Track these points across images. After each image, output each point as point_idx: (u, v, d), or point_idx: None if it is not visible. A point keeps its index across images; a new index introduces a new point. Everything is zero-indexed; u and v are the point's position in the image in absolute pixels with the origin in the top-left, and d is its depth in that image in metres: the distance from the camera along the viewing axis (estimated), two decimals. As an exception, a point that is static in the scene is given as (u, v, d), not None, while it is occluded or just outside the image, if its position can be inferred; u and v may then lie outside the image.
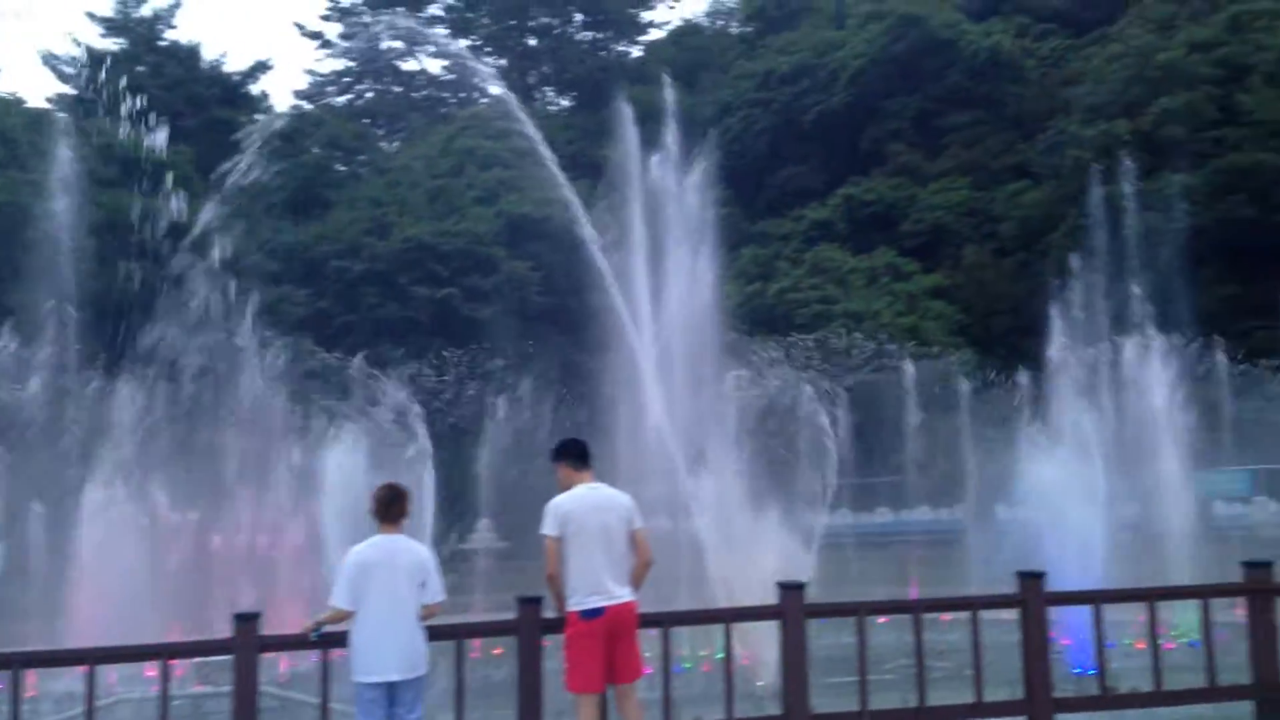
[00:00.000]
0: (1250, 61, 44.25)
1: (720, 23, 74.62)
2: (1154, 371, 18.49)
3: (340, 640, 7.60)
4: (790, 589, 8.57)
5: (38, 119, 47.65)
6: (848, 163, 53.15)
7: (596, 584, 7.72)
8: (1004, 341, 39.22)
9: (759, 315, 41.40)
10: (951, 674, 9.63)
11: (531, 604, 8.20)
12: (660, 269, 19.28)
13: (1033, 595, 8.70)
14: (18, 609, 16.22)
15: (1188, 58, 45.12)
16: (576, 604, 7.74)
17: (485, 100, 59.82)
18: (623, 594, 7.78)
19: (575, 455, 8.14)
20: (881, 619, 10.70)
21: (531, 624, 8.13)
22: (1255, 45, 44.64)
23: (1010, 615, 8.79)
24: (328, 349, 34.94)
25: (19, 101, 51.72)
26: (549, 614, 8.08)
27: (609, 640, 7.72)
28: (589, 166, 42.13)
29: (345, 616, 7.57)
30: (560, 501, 7.91)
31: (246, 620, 7.61)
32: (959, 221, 48.67)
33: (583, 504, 7.87)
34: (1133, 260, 22.98)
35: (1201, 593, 9.31)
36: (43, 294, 29.71)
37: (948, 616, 10.55)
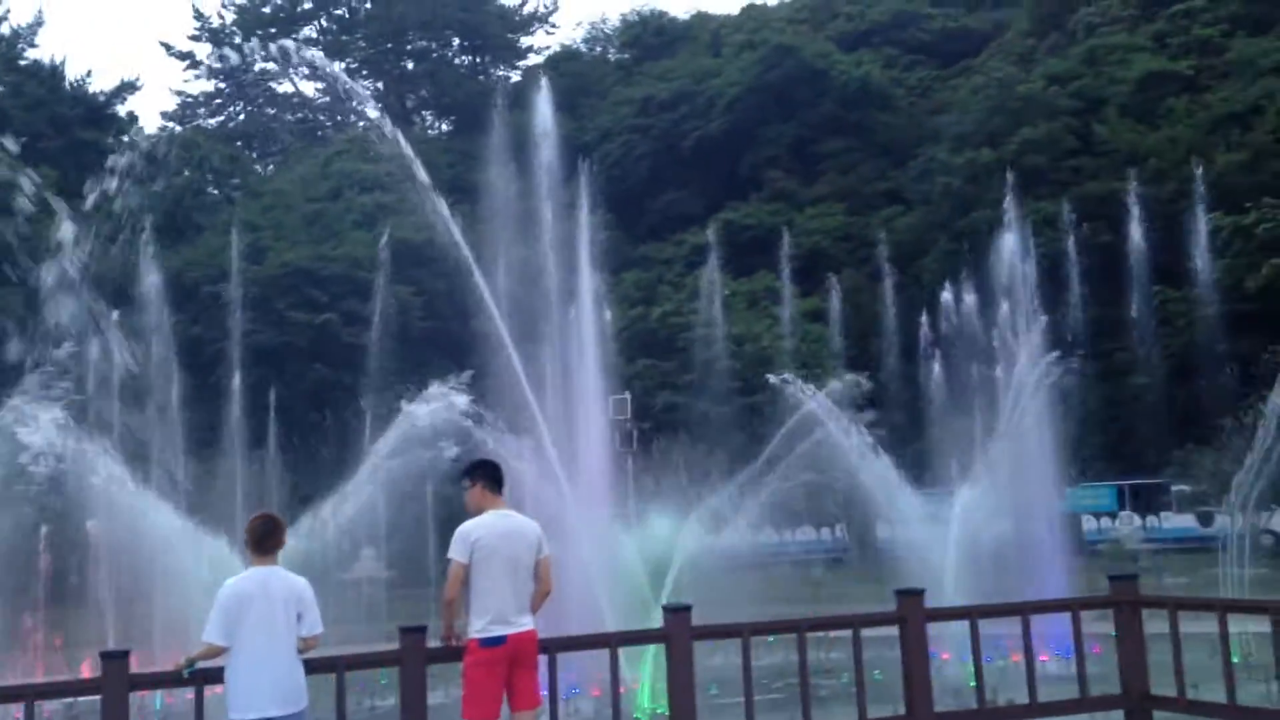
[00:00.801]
0: (1105, 94, 46.34)
1: (598, 49, 75.15)
2: (1023, 389, 19.10)
3: (216, 677, 7.34)
4: (676, 611, 8.58)
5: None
6: (726, 188, 53.95)
7: (500, 613, 7.62)
8: (881, 363, 40.13)
9: (643, 339, 41.62)
10: (838, 691, 9.75)
11: (415, 633, 8.04)
12: (541, 293, 19.25)
13: (912, 612, 8.86)
14: None
15: (1047, 90, 47.03)
16: (478, 631, 7.62)
17: (363, 124, 59.08)
18: (524, 623, 7.71)
19: (490, 478, 8.01)
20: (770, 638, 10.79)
21: (416, 654, 7.97)
22: (1109, 78, 46.79)
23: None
24: (202, 376, 33.96)
25: None
26: (434, 643, 7.95)
27: (509, 669, 7.63)
28: (469, 190, 41.90)
29: (219, 652, 7.31)
30: (471, 528, 7.77)
31: (115, 658, 7.30)
32: (835, 246, 49.73)
33: (493, 531, 7.76)
34: (1004, 282, 23.82)
35: (1071, 605, 9.61)
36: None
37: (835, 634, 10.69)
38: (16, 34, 55.20)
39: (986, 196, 38.42)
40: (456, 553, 7.70)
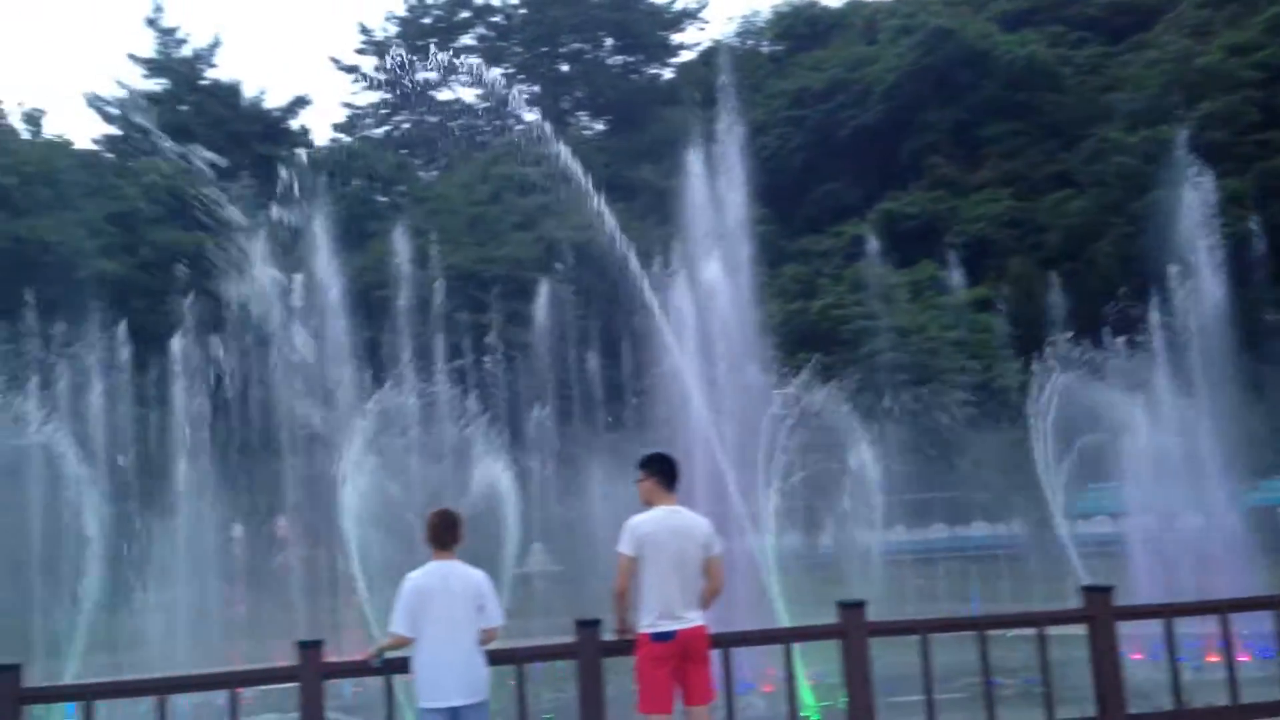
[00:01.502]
0: (1291, 63, 43.73)
1: (750, 42, 74.70)
2: (1211, 380, 18.21)
3: (403, 666, 7.59)
4: (851, 607, 8.45)
5: (86, 160, 48.53)
6: (885, 177, 52.96)
7: (668, 608, 7.66)
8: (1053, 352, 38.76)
9: (802, 333, 41.20)
10: (1021, 692, 9.46)
11: (591, 627, 8.14)
12: (701, 289, 19.25)
13: (1101, 610, 8.52)
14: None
15: (1227, 61, 44.64)
16: (648, 626, 7.68)
17: (520, 127, 60.24)
18: (694, 618, 7.72)
19: (663, 472, 8.04)
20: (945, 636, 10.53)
21: (591, 647, 8.07)
22: (1295, 47, 44.15)
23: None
24: (375, 378, 35.17)
25: (67, 144, 52.72)
26: (608, 635, 8.02)
27: (680, 663, 7.66)
28: (625, 188, 42.28)
29: (405, 643, 7.56)
30: (640, 522, 7.84)
31: (310, 647, 7.61)
32: (1002, 233, 48.28)
33: (662, 526, 7.80)
34: (1184, 266, 22.68)
35: (1276, 603, 9.08)
36: (98, 328, 30.26)
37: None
38: (198, 56, 58.22)
39: (1164, 176, 36.69)
40: (624, 546, 7.77)
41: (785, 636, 8.76)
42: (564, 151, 25.35)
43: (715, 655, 8.05)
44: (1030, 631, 8.62)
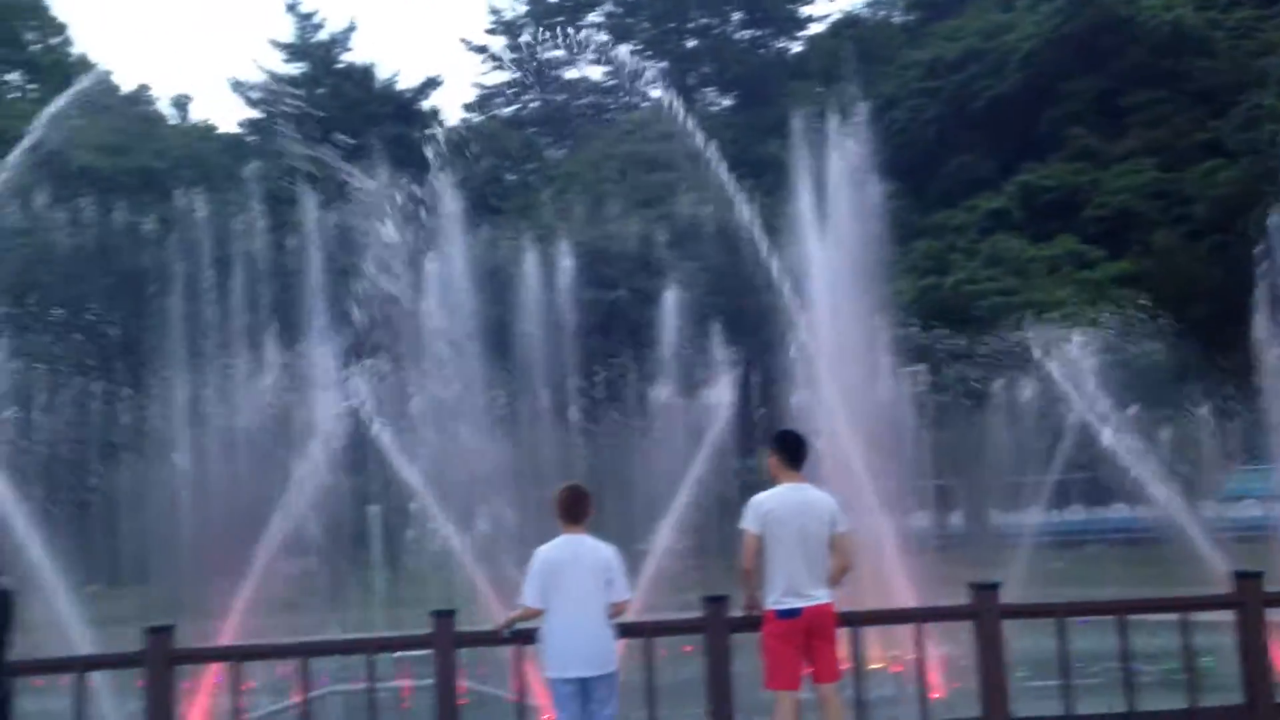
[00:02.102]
0: None
1: (881, 13, 73.26)
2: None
3: (532, 637, 7.72)
4: (983, 589, 8.30)
5: (230, 143, 50.38)
6: (1022, 149, 51.40)
7: (793, 585, 7.66)
8: (1201, 329, 37.21)
9: (935, 309, 40.40)
10: (1161, 679, 9.16)
11: (718, 602, 8.18)
12: (831, 265, 19.00)
13: (1250, 596, 8.19)
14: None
15: (1394, 20, 42.12)
16: (774, 603, 7.70)
17: (647, 104, 60.26)
18: (820, 596, 7.71)
19: (788, 451, 8.04)
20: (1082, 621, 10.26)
21: (719, 623, 8.11)
22: None
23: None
24: (502, 355, 35.74)
25: (211, 128, 54.79)
26: (737, 612, 8.05)
27: (806, 640, 7.65)
28: (754, 164, 41.97)
29: (535, 614, 7.70)
30: (763, 499, 7.86)
31: (444, 616, 7.81)
32: (1146, 205, 46.46)
33: (785, 504, 7.80)
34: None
35: None
36: (239, 308, 31.44)
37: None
38: (333, 40, 59.77)
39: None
40: (748, 523, 7.80)
41: (916, 616, 8.65)
42: (691, 127, 25.29)
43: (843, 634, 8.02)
44: (1173, 617, 8.34)
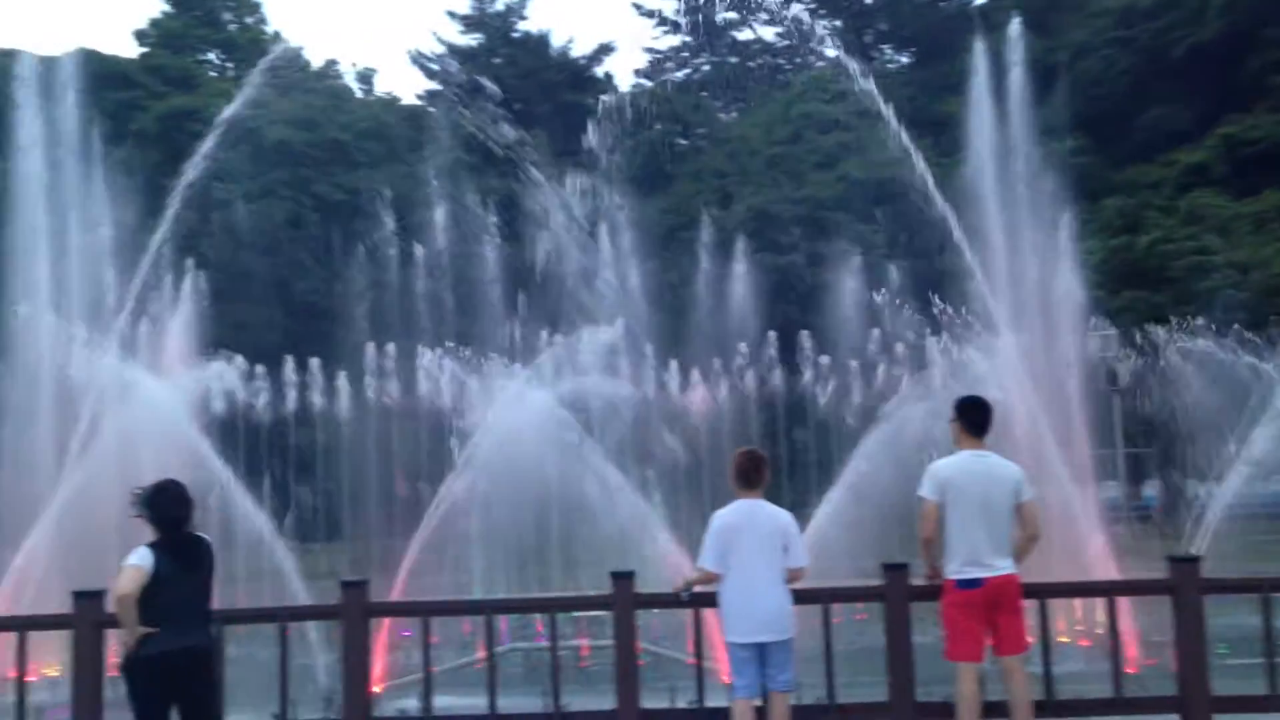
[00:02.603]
0: None
1: (1071, -40, 69.89)
2: None
3: (710, 600, 7.76)
4: (1183, 562, 7.93)
5: (411, 114, 51.90)
6: (1224, 99, 48.39)
7: (974, 554, 7.46)
8: None
9: (1125, 270, 38.59)
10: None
11: (897, 570, 8.04)
12: (1014, 224, 18.37)
13: None
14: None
15: None
16: (954, 573, 7.52)
17: (821, 64, 59.23)
18: (1003, 566, 7.48)
19: (969, 418, 7.82)
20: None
21: (899, 590, 7.98)
22: None
23: None
24: (677, 318, 35.92)
25: (394, 100, 56.53)
26: (917, 579, 7.91)
27: (989, 611, 7.46)
28: (931, 123, 40.78)
29: (713, 578, 7.72)
30: (941, 466, 7.68)
31: (623, 578, 7.92)
32: (1363, 155, 43.24)
33: (965, 471, 7.60)
34: None
35: None
36: (420, 273, 32.51)
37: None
38: (509, 9, 60.78)
39: None
40: (927, 490, 7.62)
41: (1108, 589, 8.33)
42: (868, 86, 24.75)
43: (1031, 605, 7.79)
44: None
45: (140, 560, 7.04)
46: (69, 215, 19.63)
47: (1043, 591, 8.01)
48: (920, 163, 21.74)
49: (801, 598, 7.76)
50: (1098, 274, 29.00)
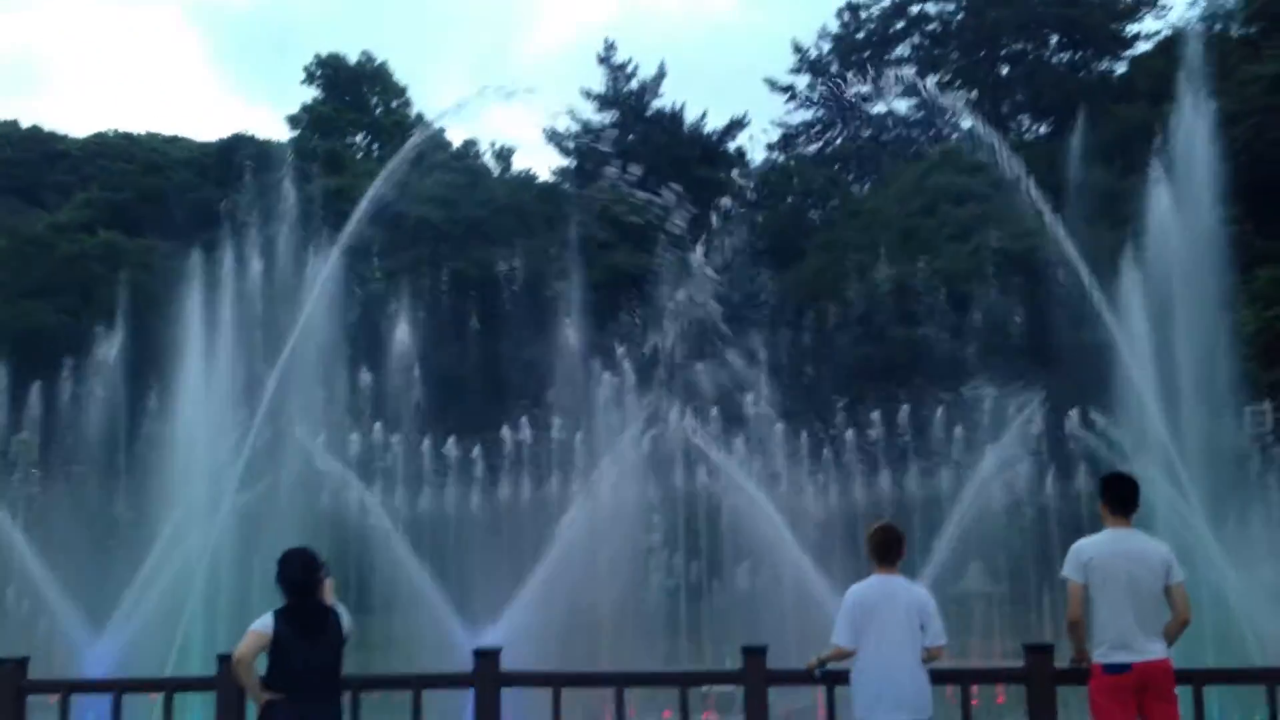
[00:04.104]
0: None
1: (1218, 27, 68.14)
2: None
3: (844, 678, 7.59)
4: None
5: (547, 191, 53.16)
6: (1384, 165, 46.27)
7: (1123, 638, 7.16)
8: None
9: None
10: None
11: (1042, 652, 7.76)
12: (1161, 296, 17.82)
13: None
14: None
15: None
16: (1101, 657, 7.22)
17: (956, 135, 58.71)
18: (1154, 651, 7.16)
19: (1113, 497, 7.57)
20: None
21: (1042, 673, 7.69)
22: None
23: None
24: (805, 395, 35.64)
25: (531, 177, 58.05)
26: (1062, 662, 7.63)
27: (1139, 697, 7.13)
28: (1072, 192, 39.94)
29: (847, 655, 7.56)
30: (1085, 545, 7.43)
31: (755, 654, 7.81)
32: None
33: (1108, 551, 7.33)
34: None
35: None
36: (554, 346, 33.08)
37: None
38: (644, 87, 61.99)
39: None
40: (1070, 571, 7.38)
41: (1270, 676, 7.85)
42: (1004, 156, 24.46)
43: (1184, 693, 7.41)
44: None
45: (261, 625, 7.20)
46: (228, 294, 20.69)
47: (1197, 677, 7.62)
48: (1059, 233, 21.32)
49: (940, 678, 7.54)
50: (1250, 346, 27.84)
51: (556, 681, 8.33)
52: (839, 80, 65.39)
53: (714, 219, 39.72)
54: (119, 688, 8.68)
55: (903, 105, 70.41)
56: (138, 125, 58.21)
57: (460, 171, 52.52)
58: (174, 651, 15.66)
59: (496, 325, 41.11)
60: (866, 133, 71.51)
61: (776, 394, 30.73)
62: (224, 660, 8.27)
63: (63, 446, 27.22)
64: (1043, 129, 66.69)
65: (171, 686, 8.66)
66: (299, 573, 7.30)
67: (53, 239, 44.61)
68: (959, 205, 49.04)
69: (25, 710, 8.53)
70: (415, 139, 39.25)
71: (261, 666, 7.20)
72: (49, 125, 57.40)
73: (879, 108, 71.52)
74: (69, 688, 8.87)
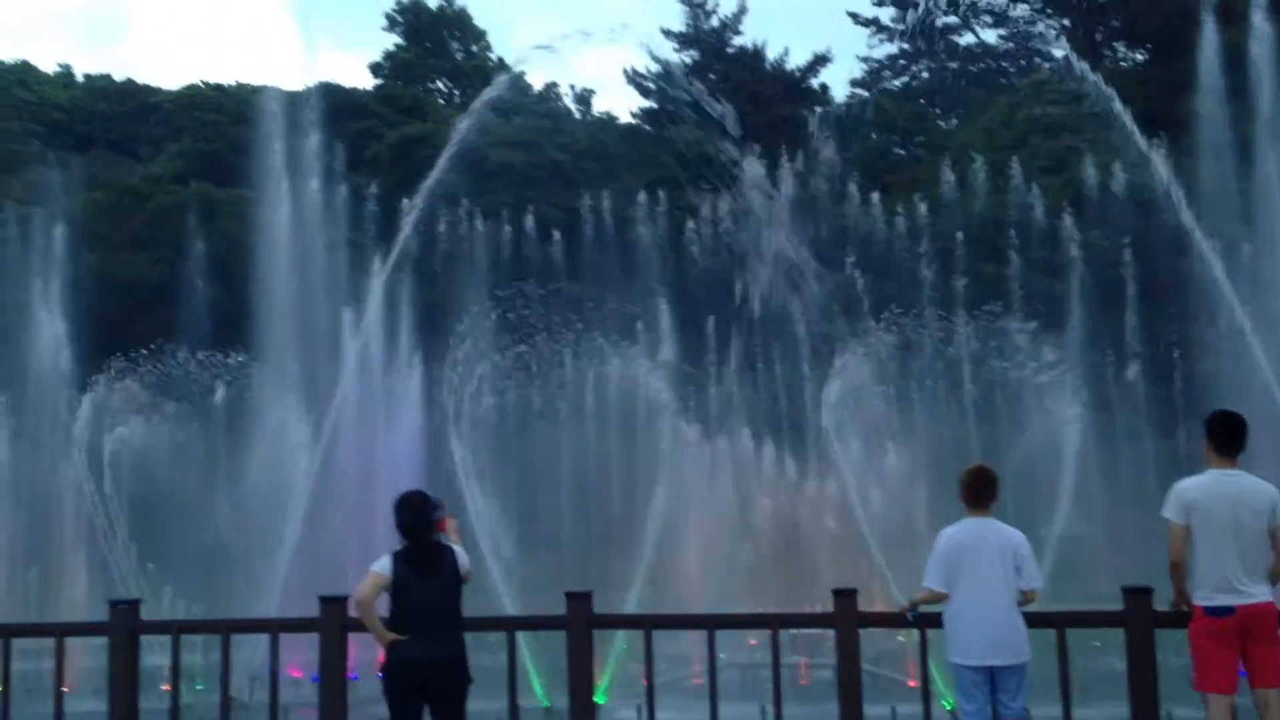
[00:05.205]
0: None
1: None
2: None
3: (936, 621, 7.56)
4: None
5: (627, 133, 52.91)
6: None
7: (1224, 580, 7.02)
8: None
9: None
10: None
11: (1140, 594, 7.63)
12: (1259, 225, 17.24)
13: None
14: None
15: None
16: (1202, 599, 7.09)
17: (1048, 65, 56.99)
18: (1257, 593, 7.01)
19: (1217, 435, 7.37)
20: None
21: (1142, 616, 7.57)
22: None
23: None
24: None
25: (612, 119, 57.75)
26: (1162, 605, 7.51)
27: (1242, 641, 6.99)
28: (1169, 122, 38.63)
29: (939, 598, 7.54)
30: (1187, 487, 7.26)
31: (846, 595, 7.80)
32: None
33: (1211, 492, 7.16)
34: None
35: None
36: (637, 288, 33.09)
37: None
38: (724, 25, 61.10)
39: None
40: (1170, 513, 7.22)
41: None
42: (1098, 86, 23.70)
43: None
44: None
45: (380, 567, 7.39)
46: (314, 239, 21.05)
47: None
48: (1156, 163, 20.70)
49: (1035, 621, 7.47)
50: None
51: (647, 624, 8.42)
52: (926, 11, 63.75)
53: (797, 158, 39.21)
54: (226, 628, 8.99)
55: (991, 35, 68.39)
56: (226, 76, 59.09)
57: (541, 115, 52.44)
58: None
59: (579, 268, 41.17)
60: (953, 65, 69.68)
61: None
62: (325, 602, 8.50)
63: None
64: (1138, 56, 64.36)
65: (276, 627, 8.93)
66: (412, 514, 7.48)
67: (148, 190, 45.65)
68: (1051, 137, 47.75)
69: (139, 649, 8.87)
70: (496, 84, 39.26)
71: (383, 609, 7.40)
72: (141, 78, 58.63)
73: (966, 38, 69.59)
74: (179, 628, 9.21)
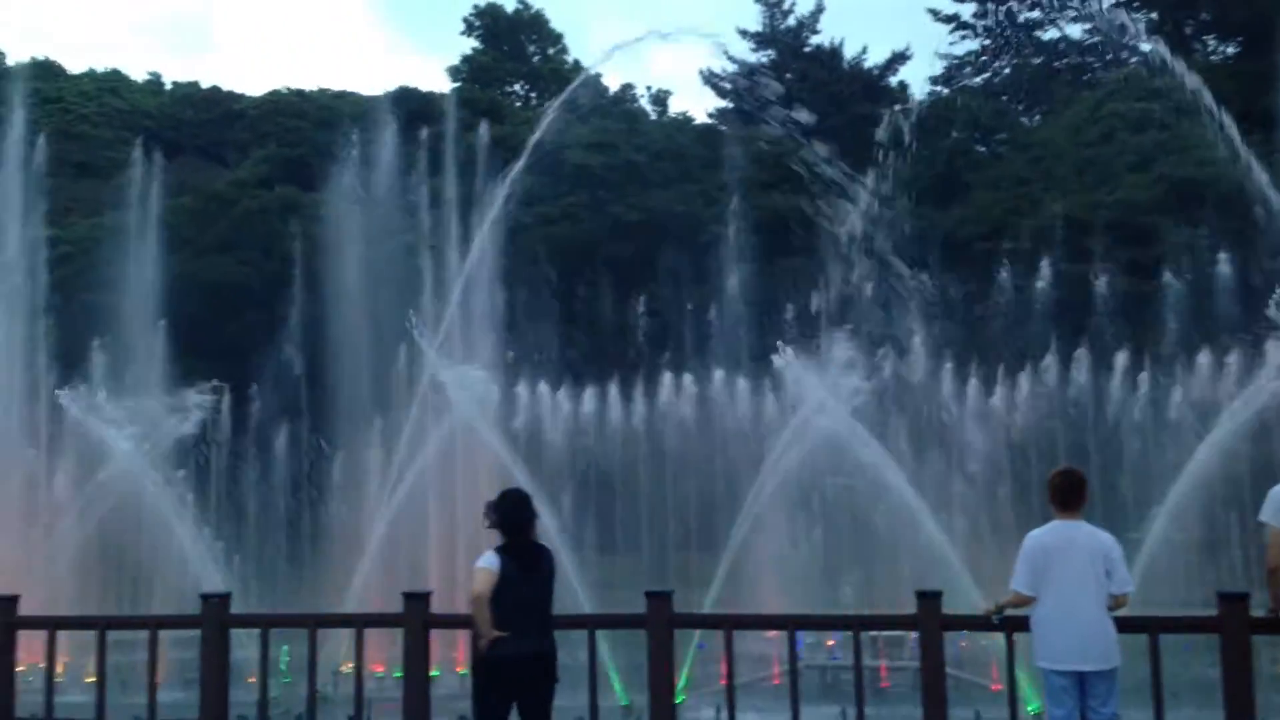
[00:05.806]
0: None
1: None
2: None
3: (1023, 624, 7.43)
4: None
5: (704, 133, 52.84)
6: None
7: None
8: None
9: None
10: None
11: (1237, 600, 7.41)
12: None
13: None
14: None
15: None
16: (1303, 606, 6.86)
17: (1135, 60, 55.71)
18: (1360, 601, 6.77)
19: None
20: None
21: (1238, 622, 7.35)
22: None
23: None
24: (974, 330, 34.73)
25: (688, 120, 57.72)
26: (1259, 610, 7.28)
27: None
28: (1261, 117, 37.54)
29: (1026, 601, 7.40)
30: None
31: (930, 597, 7.70)
32: None
33: None
34: None
35: None
36: (710, 290, 33.01)
37: None
38: (801, 24, 60.74)
39: None
40: (1269, 516, 7.02)
41: None
42: (1189, 80, 23.13)
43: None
44: None
45: (488, 563, 7.40)
46: (387, 239, 21.35)
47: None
48: (1252, 160, 20.16)
49: (1126, 626, 7.29)
50: None
51: (728, 624, 8.39)
52: (1007, 6, 62.71)
53: (877, 157, 38.82)
54: (313, 623, 9.12)
55: (1076, 30, 67.05)
56: (309, 82, 60.20)
57: (617, 116, 52.56)
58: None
59: (656, 269, 41.19)
60: (1037, 60, 68.42)
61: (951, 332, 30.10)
62: (409, 598, 8.60)
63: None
64: (1230, 49, 62.69)
65: (361, 622, 9.04)
66: (514, 511, 7.50)
67: (234, 195, 46.67)
68: (1139, 133, 46.68)
69: (229, 642, 9.05)
70: (573, 86, 39.41)
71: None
72: (227, 85, 59.94)
73: (1050, 33, 68.33)
74: (268, 622, 9.37)
